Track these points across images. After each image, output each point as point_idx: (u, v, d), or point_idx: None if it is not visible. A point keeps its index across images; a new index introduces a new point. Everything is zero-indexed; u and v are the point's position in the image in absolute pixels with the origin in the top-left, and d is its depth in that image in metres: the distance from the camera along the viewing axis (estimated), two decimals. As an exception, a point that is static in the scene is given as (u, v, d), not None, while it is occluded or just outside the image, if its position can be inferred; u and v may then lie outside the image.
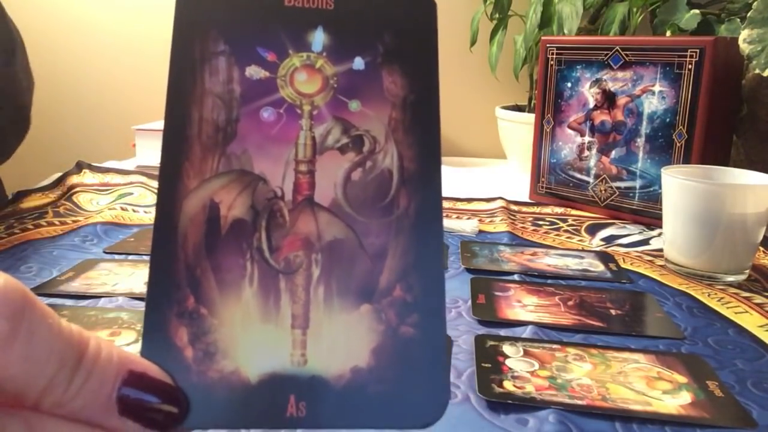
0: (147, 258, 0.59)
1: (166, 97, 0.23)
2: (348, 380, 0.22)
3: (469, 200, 0.82)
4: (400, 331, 0.22)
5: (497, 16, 1.03)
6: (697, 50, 0.68)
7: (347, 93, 0.24)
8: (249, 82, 0.23)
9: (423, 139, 0.24)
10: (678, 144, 0.70)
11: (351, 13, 0.24)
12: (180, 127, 0.23)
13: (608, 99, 0.76)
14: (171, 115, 0.23)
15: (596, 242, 0.68)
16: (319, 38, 0.24)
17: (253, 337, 0.22)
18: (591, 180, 0.79)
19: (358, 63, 0.24)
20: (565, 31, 0.88)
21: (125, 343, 0.42)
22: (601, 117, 0.77)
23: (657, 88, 0.71)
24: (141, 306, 0.48)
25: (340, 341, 0.22)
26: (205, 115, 0.23)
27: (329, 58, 0.24)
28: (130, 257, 0.60)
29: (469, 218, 0.75)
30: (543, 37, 0.82)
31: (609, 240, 0.69)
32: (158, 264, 0.22)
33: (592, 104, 0.78)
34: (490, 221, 0.74)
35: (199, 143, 0.23)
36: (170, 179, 0.22)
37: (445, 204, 0.80)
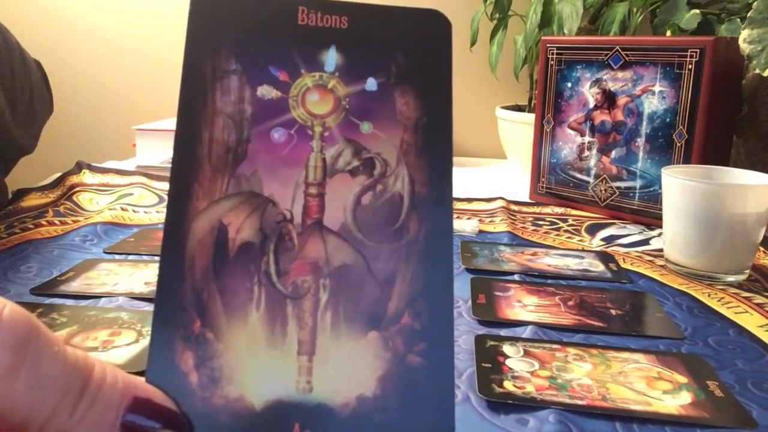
0: (147, 258, 0.59)
1: (177, 116, 0.22)
2: (353, 409, 0.22)
3: (469, 200, 0.82)
4: (407, 359, 0.22)
5: (497, 16, 1.03)
6: (697, 50, 0.68)
7: (359, 114, 0.23)
8: (260, 102, 0.23)
9: (434, 163, 0.23)
10: (678, 144, 0.70)
11: (364, 32, 0.23)
12: (190, 147, 0.22)
13: (608, 99, 0.76)
14: (181, 135, 0.22)
15: (596, 242, 0.68)
16: (331, 58, 0.23)
17: (259, 362, 0.22)
18: (591, 180, 0.79)
19: (371, 84, 0.23)
20: (565, 31, 0.88)
21: (125, 343, 0.42)
22: (601, 117, 0.77)
23: (657, 88, 0.71)
24: (141, 306, 0.48)
25: (347, 369, 0.22)
26: (215, 136, 0.23)
27: (342, 79, 0.23)
28: (130, 257, 0.60)
29: (469, 218, 0.75)
30: (543, 37, 0.82)
31: (609, 240, 0.69)
32: (165, 286, 0.22)
33: (592, 104, 0.78)
34: (490, 221, 0.74)
35: (209, 164, 0.22)
36: (179, 200, 0.22)
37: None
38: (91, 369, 0.19)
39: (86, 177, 0.84)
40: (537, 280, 0.56)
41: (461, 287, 0.53)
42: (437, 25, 0.24)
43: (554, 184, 0.83)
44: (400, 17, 0.24)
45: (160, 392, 0.21)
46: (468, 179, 0.98)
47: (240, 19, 0.23)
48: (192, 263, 0.22)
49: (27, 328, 0.18)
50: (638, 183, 0.74)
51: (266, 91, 0.23)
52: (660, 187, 0.63)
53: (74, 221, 0.70)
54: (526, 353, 0.42)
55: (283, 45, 0.23)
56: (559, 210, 0.81)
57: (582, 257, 0.62)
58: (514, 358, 0.41)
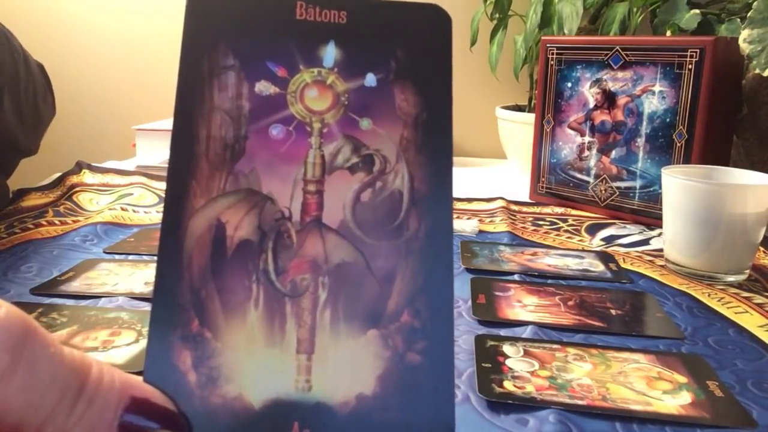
0: (147, 258, 0.59)
1: (174, 113, 0.22)
2: (353, 407, 0.21)
3: (469, 200, 0.82)
4: (407, 357, 0.22)
5: (497, 16, 1.03)
6: (697, 50, 0.68)
7: (358, 110, 0.23)
8: (258, 98, 0.23)
9: (434, 160, 0.23)
10: (678, 144, 0.70)
11: (364, 27, 0.23)
12: (187, 144, 0.22)
13: (608, 99, 0.76)
14: (178, 132, 0.22)
15: (596, 242, 0.68)
16: (330, 53, 0.23)
17: (258, 361, 0.21)
18: (591, 180, 0.79)
19: (370, 79, 0.23)
20: (565, 31, 0.88)
21: (125, 343, 0.42)
22: (601, 117, 0.77)
23: (657, 88, 0.71)
24: (141, 306, 0.48)
25: (346, 367, 0.22)
26: (213, 132, 0.22)
27: (341, 74, 0.23)
28: (130, 257, 0.60)
29: (469, 218, 0.75)
30: (543, 37, 0.82)
31: (609, 240, 0.69)
32: (163, 285, 0.21)
33: (592, 104, 0.78)
34: (491, 221, 0.74)
35: (207, 161, 0.22)
36: (177, 198, 0.22)
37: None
38: (88, 369, 0.19)
39: (86, 177, 0.84)
40: (537, 280, 0.56)
41: (461, 287, 0.53)
42: (437, 20, 0.23)
43: (554, 184, 0.83)
44: (399, 12, 0.23)
45: (158, 392, 0.20)
46: (468, 179, 0.98)
47: (237, 14, 0.23)
48: (190, 262, 0.22)
49: (23, 329, 0.17)
50: (638, 183, 0.74)
51: (264, 87, 0.23)
52: (660, 187, 0.63)
53: (74, 221, 0.70)
54: (526, 353, 0.42)
55: (281, 40, 0.23)
56: (559, 210, 0.81)
57: (582, 257, 0.62)
58: (514, 358, 0.41)
